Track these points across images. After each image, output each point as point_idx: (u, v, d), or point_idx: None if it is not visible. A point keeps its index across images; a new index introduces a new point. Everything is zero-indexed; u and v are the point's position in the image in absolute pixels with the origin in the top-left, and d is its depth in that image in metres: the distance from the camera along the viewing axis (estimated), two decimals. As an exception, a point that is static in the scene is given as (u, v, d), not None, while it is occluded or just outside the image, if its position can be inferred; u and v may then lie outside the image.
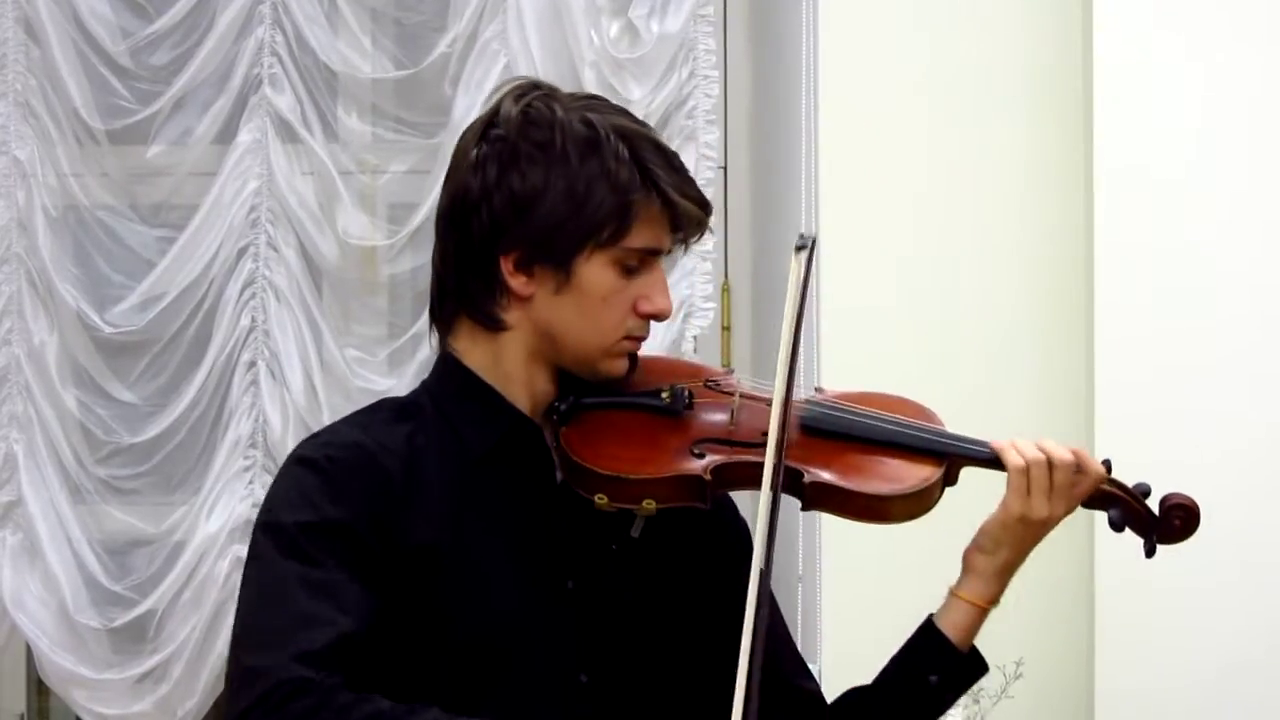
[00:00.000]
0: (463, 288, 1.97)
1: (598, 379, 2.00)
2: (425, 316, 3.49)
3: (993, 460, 2.08)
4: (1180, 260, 3.26)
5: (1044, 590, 3.27)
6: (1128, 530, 2.13)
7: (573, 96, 2.00)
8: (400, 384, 3.56)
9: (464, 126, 3.47)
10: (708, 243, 3.52)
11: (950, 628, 2.06)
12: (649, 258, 1.98)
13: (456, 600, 1.92)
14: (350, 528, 1.90)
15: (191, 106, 3.62)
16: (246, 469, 3.58)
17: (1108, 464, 2.11)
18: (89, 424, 3.61)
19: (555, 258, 1.94)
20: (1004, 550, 2.07)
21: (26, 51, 3.60)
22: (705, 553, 2.07)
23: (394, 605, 1.90)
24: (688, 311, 3.52)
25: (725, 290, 3.71)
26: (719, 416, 2.02)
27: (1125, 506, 2.11)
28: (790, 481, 1.99)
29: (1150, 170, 3.28)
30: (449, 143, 3.56)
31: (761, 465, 1.91)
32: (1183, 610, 3.23)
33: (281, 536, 1.90)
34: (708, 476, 1.97)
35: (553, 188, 1.92)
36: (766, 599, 1.87)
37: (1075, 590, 3.27)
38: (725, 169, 3.69)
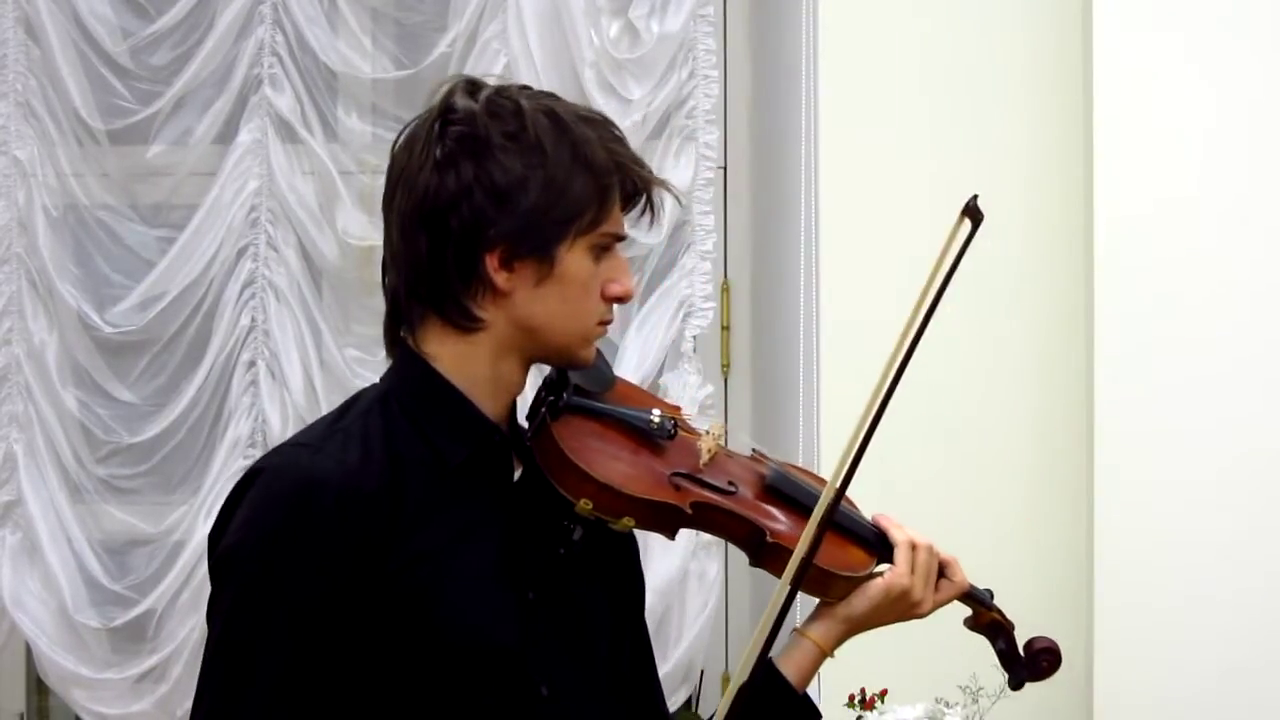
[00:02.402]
0: (437, 288, 1.94)
1: (574, 366, 2.00)
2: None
3: (884, 543, 2.12)
4: (1181, 266, 3.26)
5: (1044, 590, 3.27)
6: (1000, 663, 2.22)
7: (513, 87, 1.99)
8: (400, 384, 3.56)
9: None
10: (707, 242, 3.52)
11: (793, 669, 2.09)
12: (615, 242, 1.98)
13: (440, 613, 1.90)
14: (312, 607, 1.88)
15: (191, 106, 3.62)
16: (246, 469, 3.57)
17: (990, 593, 2.20)
18: (89, 424, 3.61)
19: (540, 248, 1.92)
20: (867, 611, 2.09)
21: (27, 51, 3.60)
22: (618, 561, 2.10)
23: (382, 620, 1.89)
24: (688, 311, 3.52)
25: (725, 290, 3.71)
26: (692, 455, 2.05)
27: (1008, 640, 2.21)
28: (749, 535, 2.03)
29: (1151, 173, 3.28)
30: (449, 143, 3.58)
31: (733, 515, 2.01)
32: (1182, 612, 3.23)
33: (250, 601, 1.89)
34: (689, 511, 2.00)
35: (533, 177, 1.91)
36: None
37: (1075, 590, 3.27)
38: (725, 169, 3.69)
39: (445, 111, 1.94)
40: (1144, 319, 3.27)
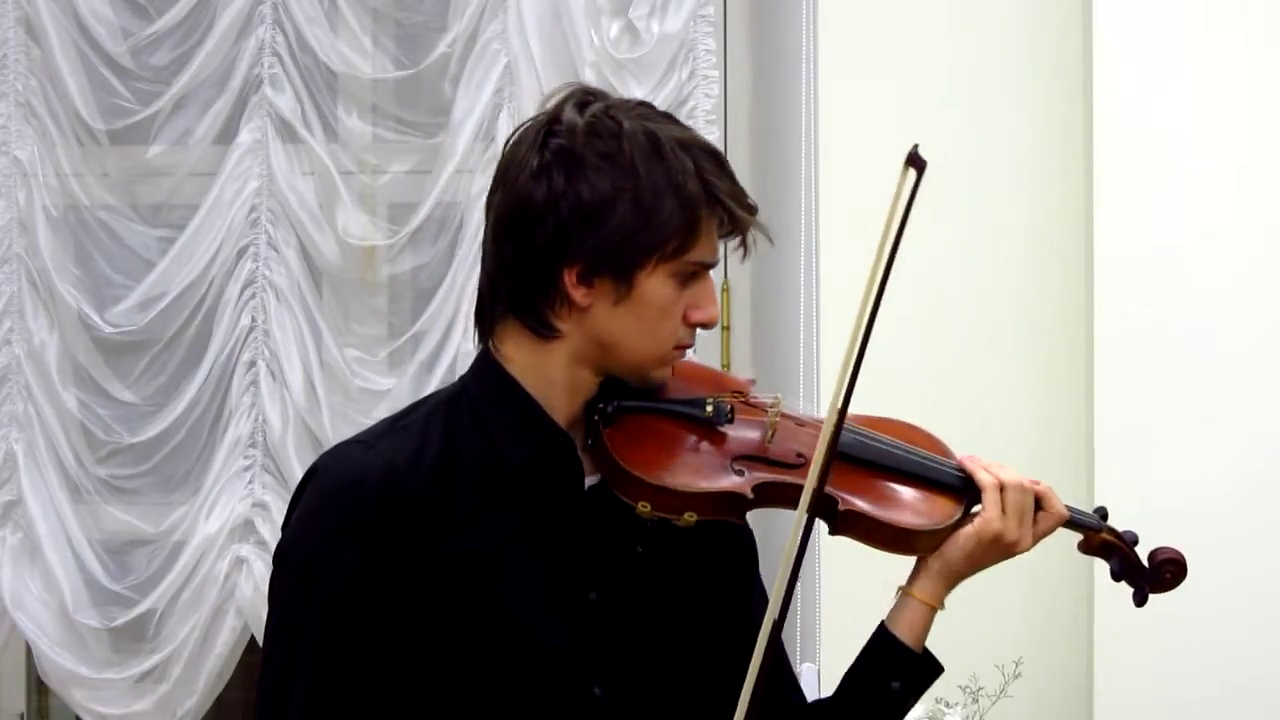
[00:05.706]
0: (518, 294, 1.96)
1: (645, 385, 2.00)
2: (425, 316, 3.57)
3: (972, 486, 2.09)
4: (1181, 265, 3.25)
5: (1044, 590, 3.27)
6: (1123, 580, 2.18)
7: (626, 104, 1.98)
8: (400, 384, 3.56)
9: (464, 126, 3.57)
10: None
11: (905, 629, 2.07)
12: (703, 270, 1.98)
13: (485, 611, 1.93)
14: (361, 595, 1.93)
15: (192, 106, 3.63)
16: (246, 469, 3.58)
17: (1103, 511, 2.17)
18: (89, 424, 3.61)
19: (619, 270, 1.93)
20: (962, 559, 2.07)
21: (27, 51, 3.60)
22: (716, 559, 2.07)
23: (427, 615, 1.92)
24: (688, 311, 3.52)
25: (725, 290, 3.71)
26: (755, 433, 2.03)
27: (1124, 558, 2.16)
28: (824, 506, 1.99)
29: (1151, 172, 3.28)
30: (449, 143, 3.58)
31: (799, 487, 1.93)
32: (1182, 611, 3.22)
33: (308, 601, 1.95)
34: (750, 495, 1.99)
35: (621, 199, 1.91)
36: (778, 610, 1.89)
37: (1075, 590, 3.27)
38: (725, 169, 3.69)
39: (552, 121, 1.95)
40: (1144, 319, 3.26)
